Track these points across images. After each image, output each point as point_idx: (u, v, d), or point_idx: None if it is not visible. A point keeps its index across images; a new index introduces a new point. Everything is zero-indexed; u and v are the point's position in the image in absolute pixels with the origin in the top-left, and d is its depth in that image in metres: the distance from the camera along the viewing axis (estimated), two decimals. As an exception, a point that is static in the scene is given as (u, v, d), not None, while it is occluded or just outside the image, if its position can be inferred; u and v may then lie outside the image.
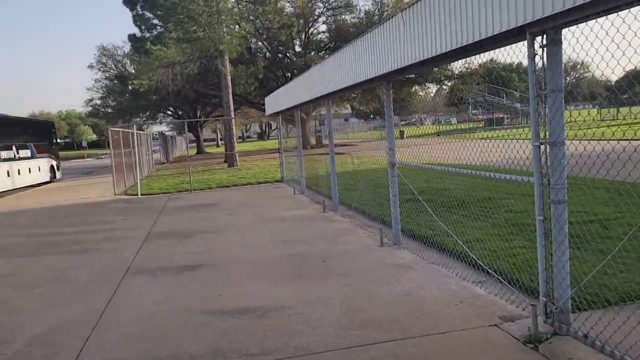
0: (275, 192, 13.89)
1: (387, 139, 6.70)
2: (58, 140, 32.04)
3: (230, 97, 24.43)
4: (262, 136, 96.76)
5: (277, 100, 14.81)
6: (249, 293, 5.25)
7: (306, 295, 5.02)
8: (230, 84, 24.73)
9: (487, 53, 4.52)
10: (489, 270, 5.02)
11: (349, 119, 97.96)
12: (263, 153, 33.99)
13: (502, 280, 4.69)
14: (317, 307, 4.67)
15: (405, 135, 48.11)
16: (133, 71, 35.06)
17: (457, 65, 37.04)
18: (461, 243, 5.53)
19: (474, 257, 5.23)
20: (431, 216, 7.70)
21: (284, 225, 8.83)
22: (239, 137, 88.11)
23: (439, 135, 34.35)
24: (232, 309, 4.78)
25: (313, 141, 45.40)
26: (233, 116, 25.24)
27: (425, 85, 45.75)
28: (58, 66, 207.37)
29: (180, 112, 48.64)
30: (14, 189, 20.85)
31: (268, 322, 4.43)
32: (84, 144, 77.84)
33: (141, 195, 15.27)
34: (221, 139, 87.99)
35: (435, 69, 34.36)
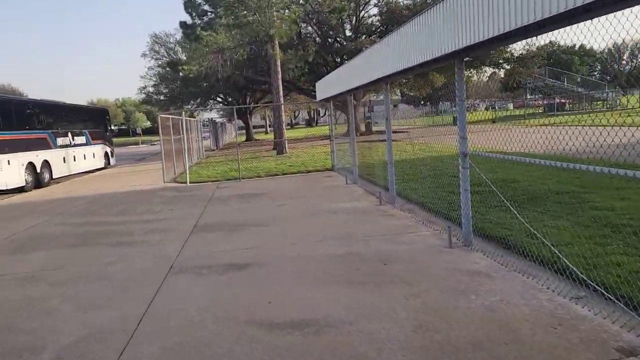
0: (326, 181, 13.24)
1: (458, 125, 5.86)
2: (112, 127, 32.68)
3: (280, 83, 23.92)
4: (310, 123, 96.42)
5: (329, 85, 14.09)
6: (302, 301, 4.62)
7: (368, 307, 4.34)
8: (279, 69, 24.21)
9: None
10: (592, 284, 4.15)
11: (397, 105, 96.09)
12: (312, 140, 33.40)
13: (612, 298, 3.83)
14: (382, 323, 3.98)
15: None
16: (184, 58, 35.28)
17: (517, 47, 34.97)
18: (551, 246, 4.67)
19: (571, 265, 4.37)
20: (505, 212, 6.82)
21: (337, 219, 8.16)
22: (287, 124, 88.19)
23: (494, 122, 32.70)
24: (283, 321, 4.17)
25: (362, 128, 44.38)
26: (282, 102, 24.74)
27: (481, 69, 43.69)
28: (116, 55, 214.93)
29: (230, 99, 48.87)
30: (70, 175, 21.28)
31: (325, 340, 3.78)
32: (138, 130, 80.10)
33: (190, 183, 15.02)
34: (270, 126, 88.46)
35: (492, 52, 32.54)
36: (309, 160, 19.01)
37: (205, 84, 39.20)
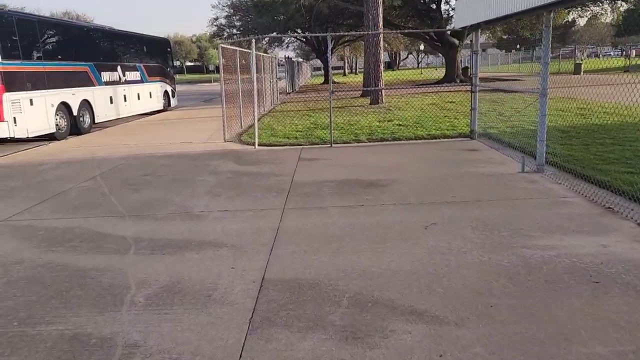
0: (477, 160, 8.08)
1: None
2: (174, 63, 28.55)
3: (380, 10, 18.21)
4: (391, 66, 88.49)
5: (483, 4, 8.57)
6: None
7: None
8: (380, -10, 18.34)
9: None
10: None
11: (486, 50, 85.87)
12: (407, 87, 27.24)
13: None
14: None
15: (582, 70, 38.07)
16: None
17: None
18: None
19: None
20: None
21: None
22: (349, 70, 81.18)
23: (627, 71, 25.29)
24: None
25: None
26: (381, 30, 19.07)
27: (599, 3, 34.97)
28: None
29: (308, 35, 43.35)
30: (118, 119, 17.41)
31: None
32: (211, 67, 76.91)
33: (259, 146, 10.37)
34: (349, 68, 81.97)
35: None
36: (421, 116, 13.69)
37: (282, 16, 33.99)
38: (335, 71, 73.87)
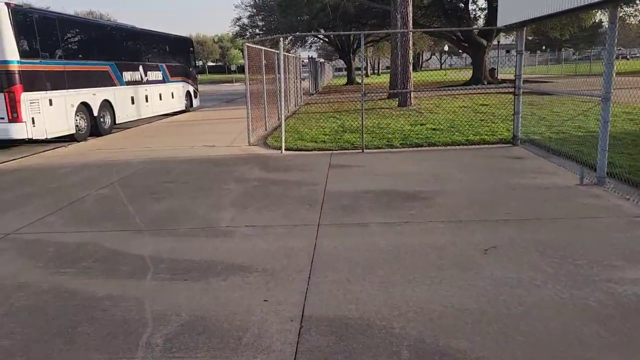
0: (525, 171, 7.36)
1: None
2: (197, 62, 28.25)
3: (410, 7, 17.46)
4: (414, 67, 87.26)
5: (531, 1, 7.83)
6: None
7: None
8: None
9: None
10: None
11: (510, 51, 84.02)
12: (434, 88, 26.27)
13: None
14: None
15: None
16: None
17: None
18: None
19: None
20: None
21: None
22: (386, 67, 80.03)
23: None
24: None
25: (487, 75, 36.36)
26: (416, 29, 18.32)
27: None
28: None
29: (331, 36, 42.74)
30: (139, 120, 17.05)
31: None
32: (233, 67, 76.89)
33: (286, 150, 9.79)
34: (372, 69, 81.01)
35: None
36: (455, 120, 12.94)
37: (306, 16, 33.44)
38: (357, 72, 73.14)
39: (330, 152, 9.55)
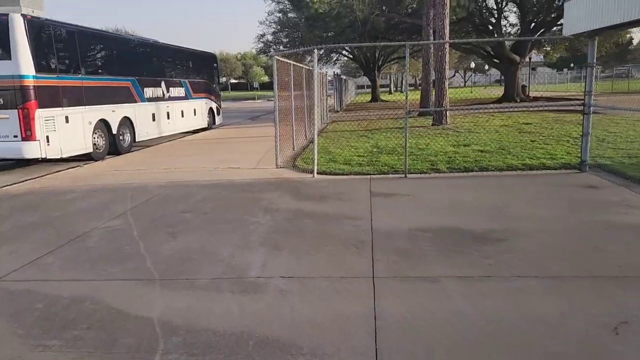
0: (611, 204, 6.17)
1: None
2: (220, 79, 27.59)
3: (448, 20, 16.37)
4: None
5: (611, 4, 6.73)
6: None
7: None
8: (447, -1, 16.47)
9: None
10: None
11: (536, 69, 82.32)
12: (465, 106, 25.06)
13: None
14: None
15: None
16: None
17: None
18: None
19: None
20: None
21: None
22: (394, 88, 79.04)
23: None
24: None
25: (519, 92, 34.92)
26: (454, 40, 17.26)
27: None
28: (241, 6, 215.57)
29: (356, 52, 42.00)
30: (161, 137, 16.29)
31: None
32: (256, 84, 76.87)
33: (318, 174, 8.76)
34: (395, 86, 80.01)
35: None
36: (502, 141, 11.76)
37: (331, 32, 32.72)
38: (382, 89, 72.14)
39: (369, 176, 8.48)
